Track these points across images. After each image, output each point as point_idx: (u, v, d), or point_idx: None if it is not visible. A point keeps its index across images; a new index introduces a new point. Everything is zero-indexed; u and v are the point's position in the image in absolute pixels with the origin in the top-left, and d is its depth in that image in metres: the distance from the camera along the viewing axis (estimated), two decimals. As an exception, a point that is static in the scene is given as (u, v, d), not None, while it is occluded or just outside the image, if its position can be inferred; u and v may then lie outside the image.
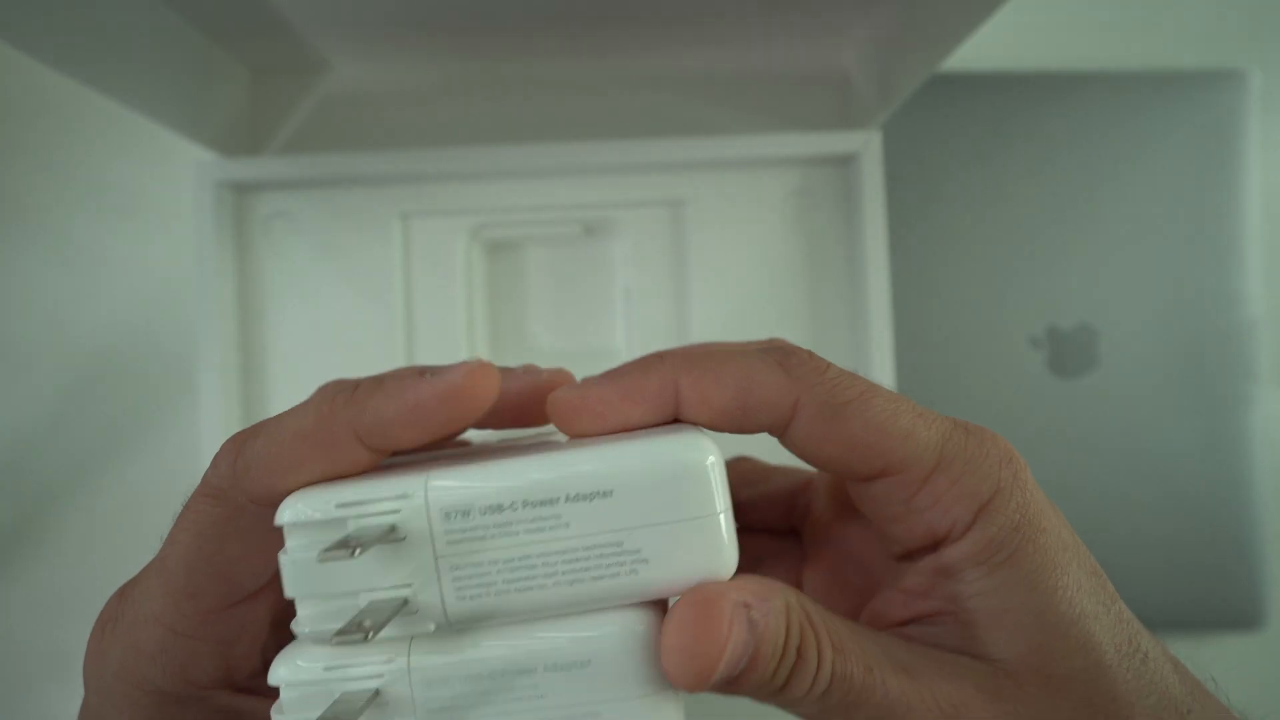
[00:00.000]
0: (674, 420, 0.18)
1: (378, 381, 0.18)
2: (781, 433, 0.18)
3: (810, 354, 0.19)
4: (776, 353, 0.18)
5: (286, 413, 0.18)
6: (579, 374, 0.52)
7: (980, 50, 0.45)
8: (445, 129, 0.50)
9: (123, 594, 0.19)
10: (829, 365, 0.18)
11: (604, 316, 0.50)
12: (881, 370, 0.44)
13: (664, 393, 0.18)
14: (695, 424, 0.18)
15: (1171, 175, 0.52)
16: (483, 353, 0.49)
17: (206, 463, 0.43)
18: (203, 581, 0.18)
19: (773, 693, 0.17)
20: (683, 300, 0.48)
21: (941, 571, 0.18)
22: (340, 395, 0.18)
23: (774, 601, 0.16)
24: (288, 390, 0.47)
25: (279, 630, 0.20)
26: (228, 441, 0.18)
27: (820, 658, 0.16)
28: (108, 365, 0.52)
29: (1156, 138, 0.52)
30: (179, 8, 0.41)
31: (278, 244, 0.48)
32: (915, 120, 0.50)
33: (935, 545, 0.18)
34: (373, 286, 0.47)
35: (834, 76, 0.50)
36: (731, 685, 0.16)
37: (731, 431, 0.18)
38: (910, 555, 0.19)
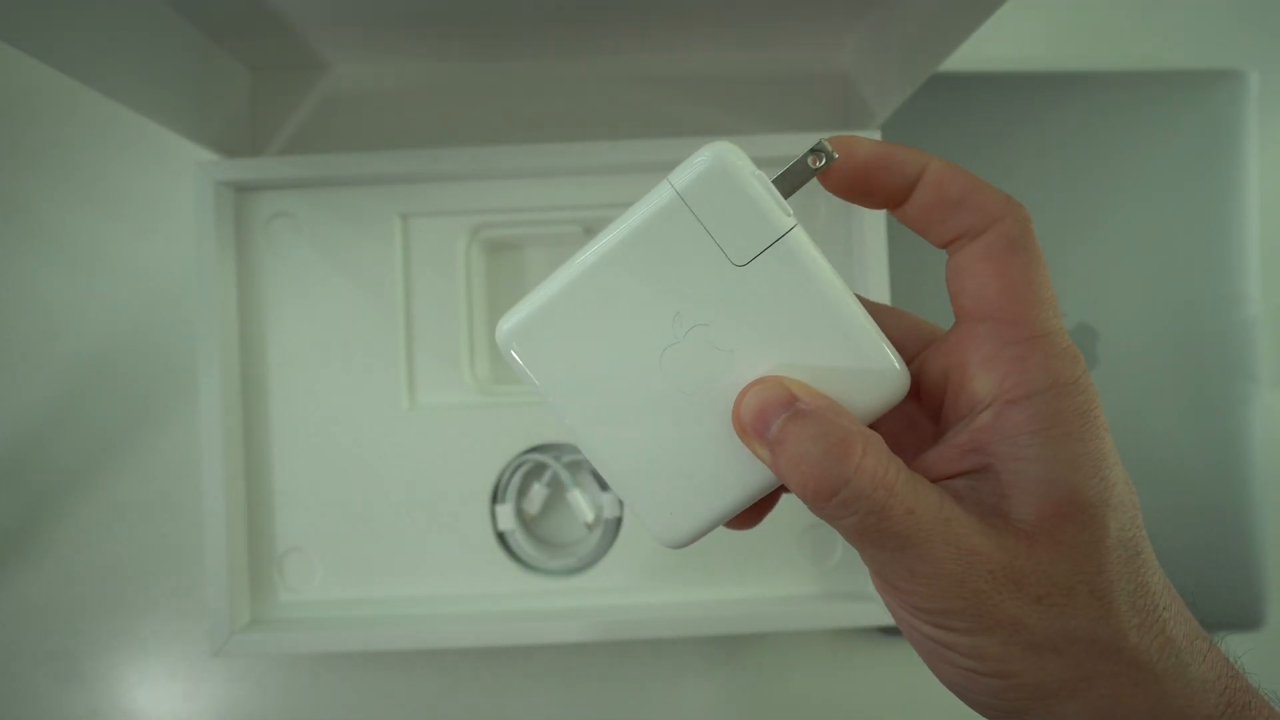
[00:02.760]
0: (904, 199, 0.23)
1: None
2: (965, 244, 0.22)
3: (1029, 213, 0.23)
4: (1007, 194, 0.22)
5: None
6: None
7: (980, 50, 0.45)
8: (445, 129, 0.50)
9: None
10: (1033, 226, 0.22)
11: (604, 316, 0.50)
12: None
13: (913, 164, 0.23)
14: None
15: (1171, 175, 0.52)
16: (483, 353, 0.49)
17: (206, 463, 0.44)
18: None
19: (803, 487, 0.20)
20: (683, 300, 0.48)
21: (1002, 429, 0.21)
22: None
23: (824, 404, 0.21)
24: (288, 390, 0.47)
25: None
26: None
27: (857, 470, 0.20)
28: (107, 365, 0.52)
29: (1156, 138, 0.52)
30: (179, 8, 0.41)
31: (278, 244, 0.48)
32: (915, 120, 0.50)
33: (994, 398, 0.21)
34: (373, 286, 0.47)
35: (834, 76, 0.50)
36: (775, 451, 0.21)
37: (932, 225, 0.22)
38: (968, 403, 0.22)
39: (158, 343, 0.52)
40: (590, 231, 0.49)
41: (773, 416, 0.21)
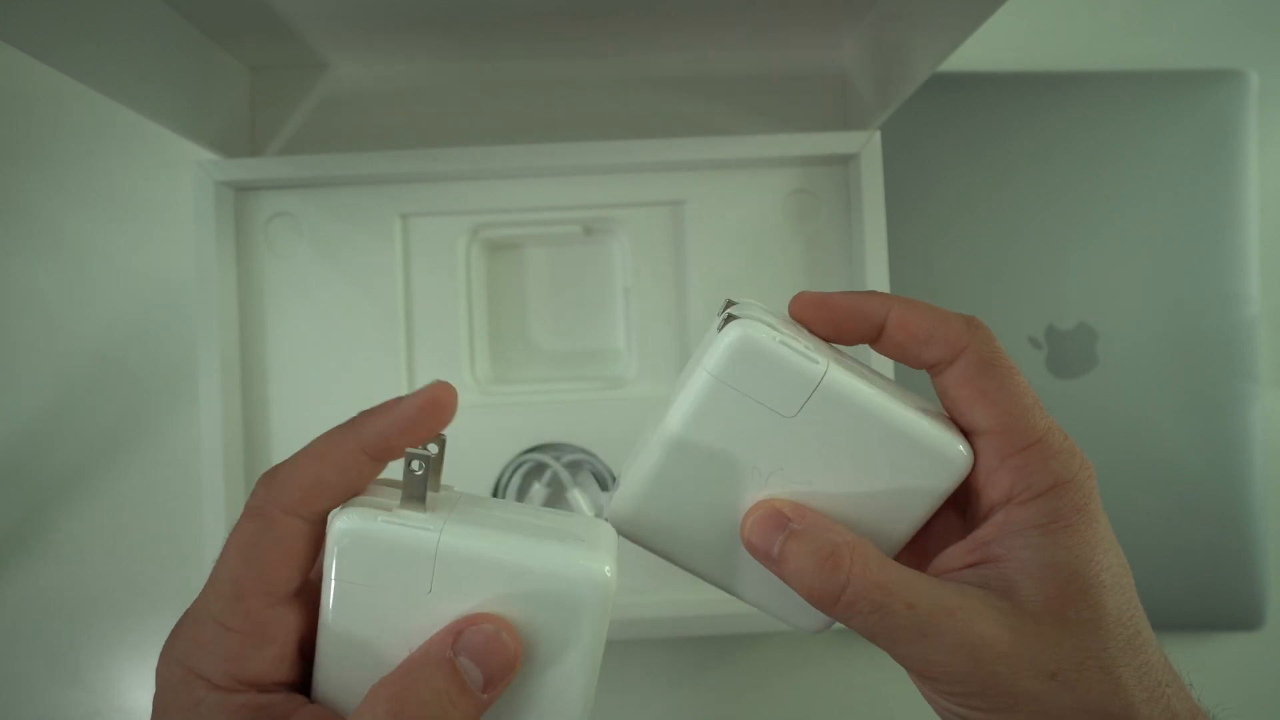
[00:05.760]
0: (876, 338, 0.26)
1: (371, 408, 0.24)
2: (942, 370, 0.25)
3: (989, 330, 0.25)
4: (966, 316, 0.25)
5: (304, 446, 0.24)
6: (577, 373, 0.52)
7: (980, 50, 0.45)
8: (445, 129, 0.50)
9: (189, 609, 0.24)
10: (997, 342, 0.25)
11: (604, 316, 0.50)
12: (881, 370, 0.44)
13: (878, 312, 0.25)
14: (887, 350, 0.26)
15: (1171, 175, 0.52)
16: (482, 353, 0.49)
17: (206, 463, 0.44)
18: (247, 583, 0.23)
19: (809, 594, 0.23)
20: (683, 300, 0.48)
21: (1011, 525, 0.23)
22: (344, 422, 0.24)
23: (813, 521, 0.24)
24: (288, 390, 0.47)
25: (304, 651, 0.24)
26: (263, 474, 0.24)
27: (849, 581, 0.22)
28: (107, 365, 0.52)
29: (1156, 138, 0.52)
30: (179, 8, 0.41)
31: (278, 244, 0.48)
32: (915, 120, 0.50)
33: (1006, 502, 0.23)
34: (373, 286, 0.47)
35: (834, 76, 0.50)
36: (780, 568, 0.24)
37: (908, 359, 0.25)
38: (984, 512, 0.24)
39: (158, 342, 0.52)
40: (591, 231, 0.49)
41: (773, 538, 0.24)
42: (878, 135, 0.45)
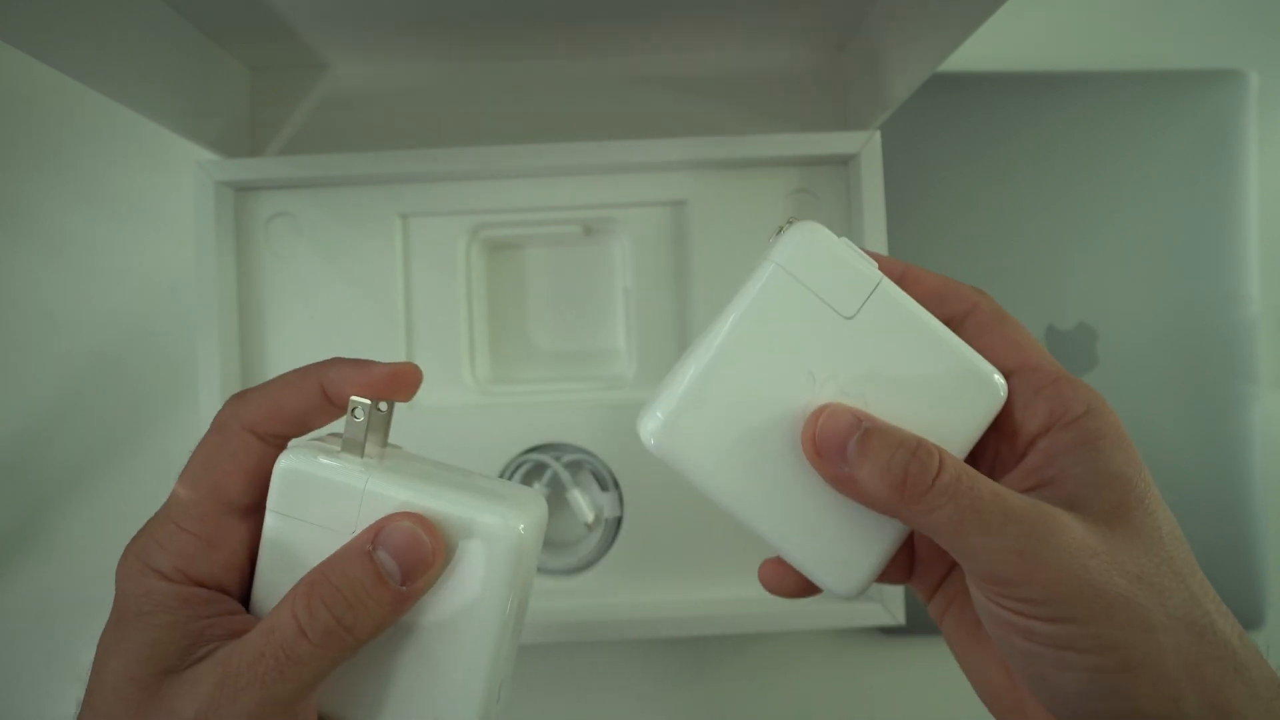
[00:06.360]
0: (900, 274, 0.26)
1: (345, 357, 0.26)
2: (958, 325, 0.26)
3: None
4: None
5: (277, 375, 0.26)
6: (577, 373, 0.52)
7: (980, 50, 0.45)
8: (445, 129, 0.50)
9: (154, 516, 0.26)
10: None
11: (604, 316, 0.50)
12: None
13: (894, 267, 0.26)
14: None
15: (1171, 175, 0.52)
16: (482, 353, 0.49)
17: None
18: (202, 489, 0.25)
19: (895, 485, 0.22)
20: (683, 300, 0.48)
21: (1057, 447, 0.24)
22: (318, 361, 0.26)
23: (884, 421, 0.24)
24: (288, 390, 0.47)
25: (253, 567, 0.26)
26: (233, 394, 0.26)
27: (942, 466, 0.22)
28: (107, 365, 0.52)
29: (1156, 138, 0.52)
30: (179, 8, 0.41)
31: (278, 244, 0.48)
32: (914, 120, 0.50)
33: (1047, 430, 0.24)
34: (373, 286, 0.47)
35: (834, 76, 0.50)
36: (850, 482, 0.23)
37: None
38: (1024, 443, 0.25)
39: (158, 342, 0.52)
40: (591, 231, 0.49)
41: (847, 436, 0.23)
42: (878, 135, 0.45)
